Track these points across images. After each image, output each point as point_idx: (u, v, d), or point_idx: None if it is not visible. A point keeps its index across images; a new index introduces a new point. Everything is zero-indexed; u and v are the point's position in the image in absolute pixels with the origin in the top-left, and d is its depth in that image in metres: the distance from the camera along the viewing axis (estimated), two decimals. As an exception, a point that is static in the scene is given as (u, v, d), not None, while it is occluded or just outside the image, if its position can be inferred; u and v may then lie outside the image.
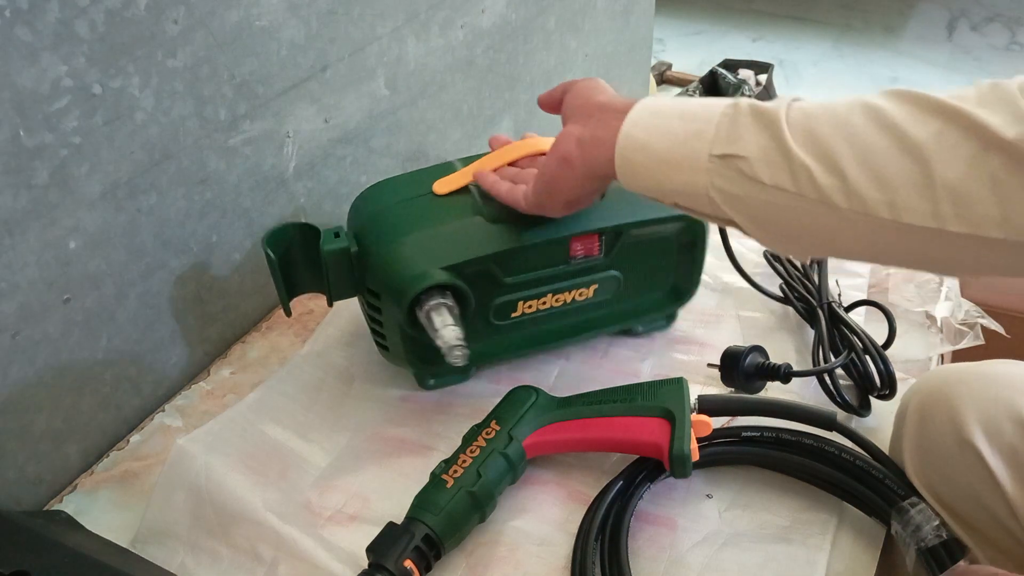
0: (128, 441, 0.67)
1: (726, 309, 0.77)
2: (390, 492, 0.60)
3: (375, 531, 0.53)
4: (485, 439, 0.58)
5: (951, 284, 0.78)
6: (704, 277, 0.80)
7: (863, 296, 0.76)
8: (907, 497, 0.53)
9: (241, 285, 0.78)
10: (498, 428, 0.59)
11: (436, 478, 0.56)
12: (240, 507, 0.57)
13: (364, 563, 0.52)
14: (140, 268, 0.67)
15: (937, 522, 0.51)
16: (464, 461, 0.57)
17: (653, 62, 2.09)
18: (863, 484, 0.56)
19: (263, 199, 0.77)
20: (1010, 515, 0.49)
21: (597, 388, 0.63)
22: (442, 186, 0.65)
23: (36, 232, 0.57)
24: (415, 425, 0.66)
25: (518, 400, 0.62)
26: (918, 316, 0.75)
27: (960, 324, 0.73)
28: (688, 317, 0.76)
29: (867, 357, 0.65)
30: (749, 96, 2.10)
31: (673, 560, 0.55)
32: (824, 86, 2.42)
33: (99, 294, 0.64)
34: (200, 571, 0.55)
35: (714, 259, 0.82)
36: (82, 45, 0.56)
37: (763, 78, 2.12)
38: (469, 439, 0.59)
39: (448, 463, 0.57)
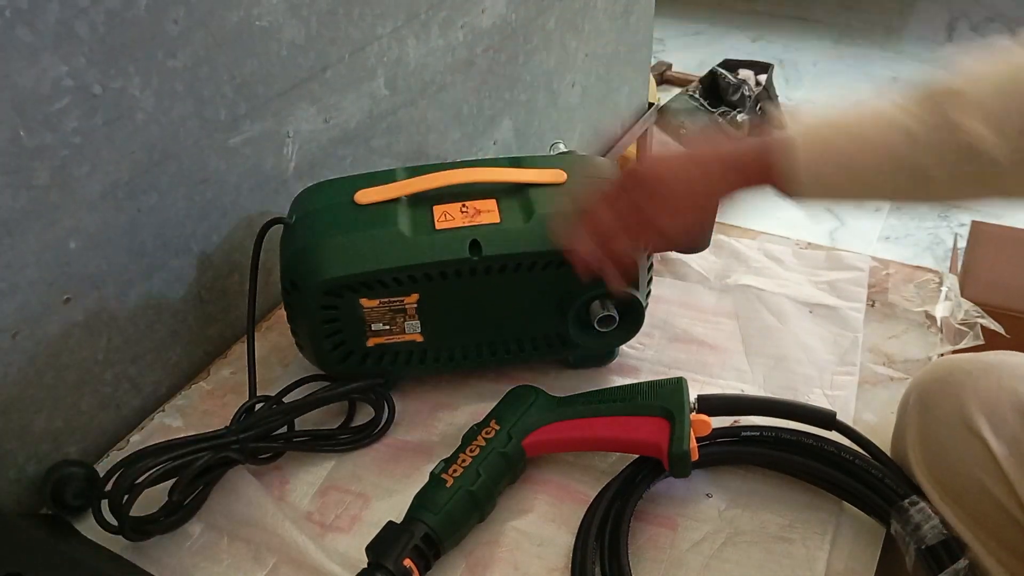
0: (128, 441, 0.67)
1: (726, 308, 0.77)
2: (390, 492, 0.61)
3: (375, 531, 0.53)
4: (485, 438, 0.58)
5: (951, 284, 0.78)
6: (704, 276, 0.80)
7: (863, 291, 0.76)
8: (907, 496, 0.53)
9: (241, 285, 0.78)
10: (498, 428, 0.59)
11: (436, 477, 0.56)
12: (240, 508, 0.58)
13: (364, 564, 0.52)
14: (140, 268, 0.67)
15: (936, 521, 0.51)
16: (464, 460, 0.57)
17: (653, 62, 2.09)
18: (863, 483, 0.56)
19: (263, 199, 0.77)
20: (1015, 504, 0.49)
21: (597, 388, 0.63)
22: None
23: (36, 232, 0.57)
24: (415, 425, 0.66)
25: (518, 399, 0.62)
26: (918, 316, 0.75)
27: (960, 324, 0.73)
28: (688, 316, 0.76)
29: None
30: (748, 96, 2.10)
31: (673, 560, 0.55)
32: (824, 86, 2.42)
33: (99, 294, 0.64)
34: (200, 574, 0.55)
35: (715, 259, 0.83)
36: (82, 45, 0.56)
37: (763, 78, 2.12)
38: (469, 439, 0.59)
39: (448, 462, 0.57)
